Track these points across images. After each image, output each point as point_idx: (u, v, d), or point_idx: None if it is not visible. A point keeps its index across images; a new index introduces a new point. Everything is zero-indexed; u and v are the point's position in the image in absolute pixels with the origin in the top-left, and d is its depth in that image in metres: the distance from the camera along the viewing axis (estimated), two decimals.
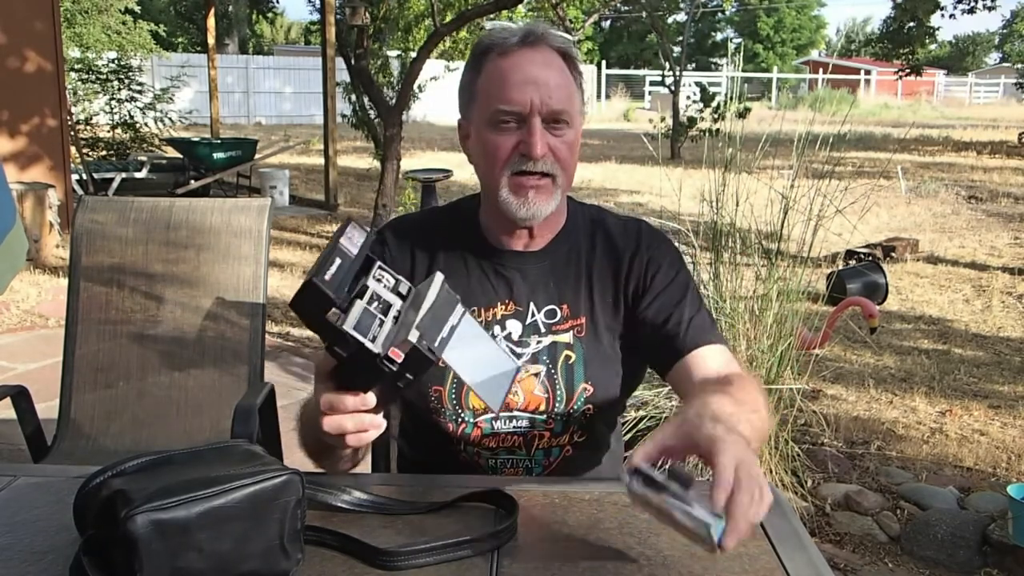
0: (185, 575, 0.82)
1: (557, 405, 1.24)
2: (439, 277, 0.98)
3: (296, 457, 1.20)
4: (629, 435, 2.67)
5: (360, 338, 0.91)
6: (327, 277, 0.92)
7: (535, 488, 1.11)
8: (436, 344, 0.93)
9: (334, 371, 0.97)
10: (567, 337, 1.26)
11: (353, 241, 0.97)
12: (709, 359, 1.20)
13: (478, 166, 1.25)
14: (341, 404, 0.95)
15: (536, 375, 1.24)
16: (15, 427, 1.92)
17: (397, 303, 0.95)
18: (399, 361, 0.91)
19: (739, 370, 1.20)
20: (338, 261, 0.94)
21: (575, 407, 1.25)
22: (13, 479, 1.13)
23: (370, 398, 0.95)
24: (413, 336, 0.91)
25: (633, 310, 1.27)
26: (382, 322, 0.93)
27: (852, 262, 5.91)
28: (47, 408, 2.06)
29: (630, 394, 1.39)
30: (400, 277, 0.98)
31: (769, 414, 1.11)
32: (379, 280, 0.96)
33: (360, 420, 0.96)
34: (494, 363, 1.00)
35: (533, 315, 1.26)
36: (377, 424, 0.98)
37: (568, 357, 1.25)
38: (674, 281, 1.27)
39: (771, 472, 2.74)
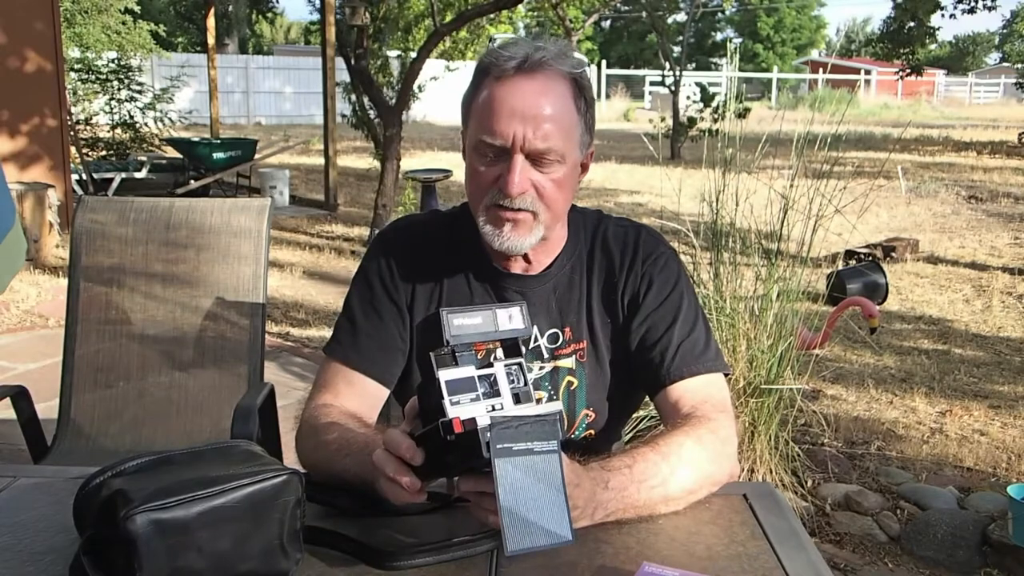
0: (185, 574, 0.82)
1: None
2: (557, 406, 0.91)
3: (296, 457, 1.20)
4: (629, 435, 2.67)
5: (444, 390, 0.87)
6: (456, 321, 0.90)
7: None
8: (500, 446, 0.84)
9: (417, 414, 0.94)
10: (569, 362, 1.24)
11: (510, 320, 0.93)
12: (689, 393, 1.18)
13: (466, 185, 1.21)
14: (396, 446, 0.92)
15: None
16: (15, 427, 1.92)
17: (506, 400, 0.90)
18: (455, 433, 0.86)
19: (714, 412, 1.16)
20: (478, 320, 0.91)
21: (576, 433, 1.24)
22: (13, 479, 1.13)
23: (419, 456, 0.90)
24: (482, 421, 0.85)
25: (627, 325, 1.24)
26: (477, 399, 0.88)
27: (852, 262, 5.91)
28: (47, 408, 2.06)
29: (633, 412, 1.37)
30: (530, 385, 0.92)
31: (710, 469, 1.08)
32: (508, 373, 0.92)
33: (402, 472, 0.91)
34: (545, 515, 0.86)
35: (536, 340, 1.23)
36: (411, 487, 0.92)
37: (570, 383, 1.23)
38: (667, 300, 1.23)
39: (771, 472, 2.74)
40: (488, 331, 0.91)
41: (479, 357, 0.92)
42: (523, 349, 0.94)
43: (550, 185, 1.14)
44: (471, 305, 0.91)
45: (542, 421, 0.87)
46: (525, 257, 1.23)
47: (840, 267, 5.64)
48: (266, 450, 0.97)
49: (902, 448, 3.24)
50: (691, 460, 1.07)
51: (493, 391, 0.90)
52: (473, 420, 0.85)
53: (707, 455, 1.09)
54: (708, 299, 2.88)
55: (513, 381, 0.91)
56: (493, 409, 0.89)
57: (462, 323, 0.90)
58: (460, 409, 0.87)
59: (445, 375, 0.88)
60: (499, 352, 0.96)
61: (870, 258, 5.95)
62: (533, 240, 1.17)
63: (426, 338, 1.23)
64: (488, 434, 0.84)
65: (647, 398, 1.39)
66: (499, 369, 0.91)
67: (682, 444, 1.08)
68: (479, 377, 0.90)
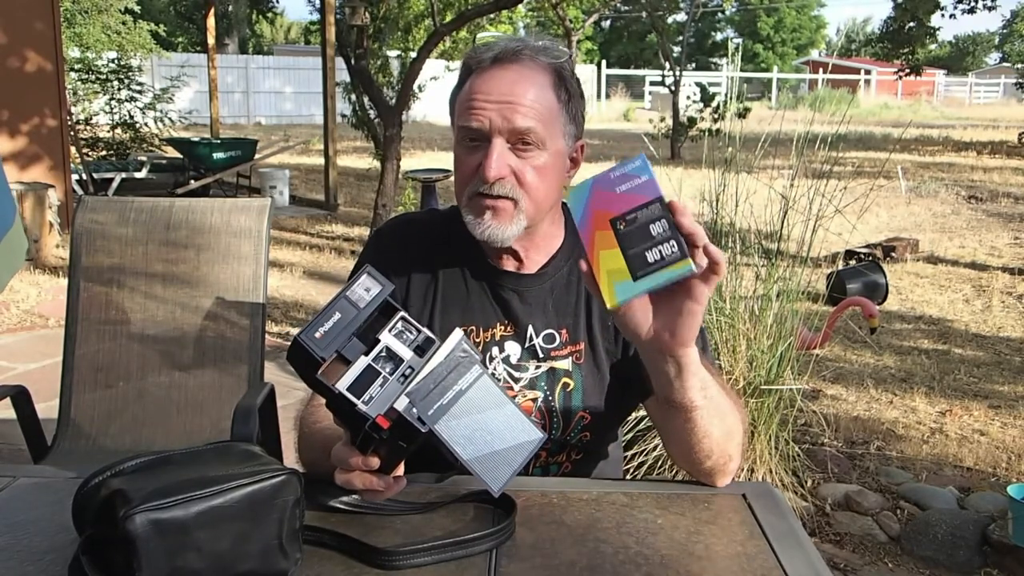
0: (184, 574, 0.82)
1: (553, 432, 1.23)
2: (456, 335, 0.89)
3: (295, 456, 1.21)
4: (629, 435, 2.67)
5: (352, 399, 0.86)
6: (317, 334, 0.87)
7: (533, 488, 1.11)
8: (430, 412, 0.85)
9: None
10: (566, 364, 1.23)
11: (367, 291, 0.90)
12: None
13: (454, 181, 1.23)
14: (345, 464, 0.92)
15: (534, 400, 1.22)
16: (15, 427, 1.92)
17: (411, 359, 0.88)
18: (386, 428, 0.85)
19: None
20: (336, 316, 0.88)
21: (571, 434, 1.24)
22: (13, 479, 1.13)
23: (372, 461, 0.90)
24: (400, 404, 0.85)
25: None
26: (385, 381, 0.87)
27: (852, 262, 5.91)
28: (47, 408, 2.06)
29: (629, 414, 1.37)
30: (424, 329, 0.90)
31: (743, 429, 1.11)
32: (399, 333, 0.89)
33: (368, 480, 0.93)
34: (507, 435, 0.87)
35: (531, 339, 1.23)
36: (386, 485, 0.93)
37: (567, 385, 1.23)
38: None
39: (771, 472, 2.74)
40: (353, 317, 0.88)
41: (360, 338, 0.89)
42: (394, 303, 0.91)
43: (530, 171, 1.15)
44: (325, 309, 0.88)
45: (452, 359, 0.87)
46: (516, 255, 1.23)
47: (840, 267, 5.64)
48: (266, 450, 0.97)
49: (902, 448, 3.24)
50: (732, 409, 1.09)
51: (396, 361, 0.88)
52: (392, 409, 0.85)
53: (740, 418, 1.11)
54: (708, 299, 2.88)
55: (407, 338, 0.90)
56: (405, 378, 0.87)
57: (325, 330, 0.87)
58: (376, 404, 0.86)
59: (344, 383, 0.86)
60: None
61: (870, 258, 5.95)
62: (516, 230, 1.16)
63: None
64: (413, 410, 0.84)
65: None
66: (387, 339, 0.89)
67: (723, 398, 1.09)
68: (375, 359, 0.88)
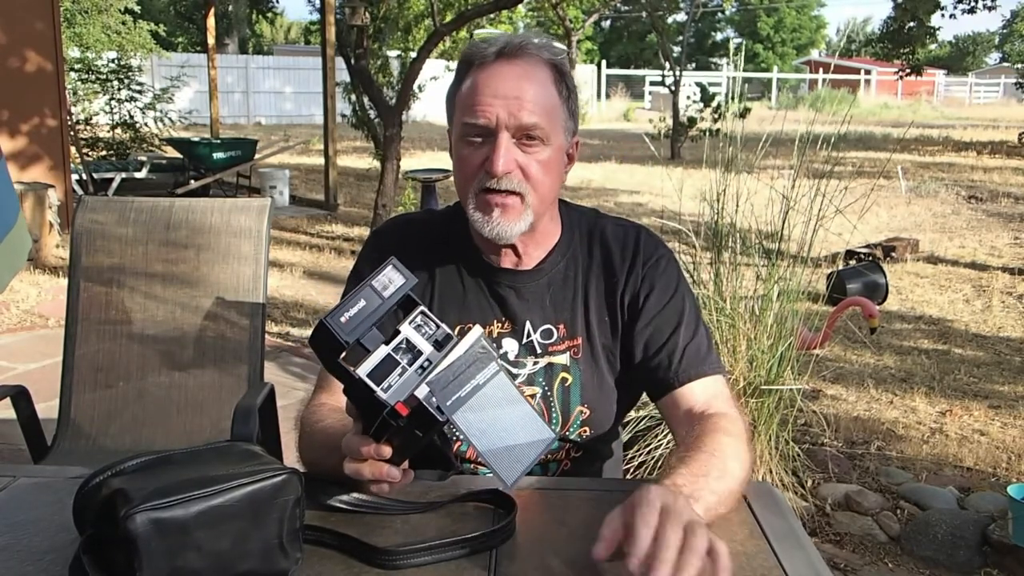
0: (184, 574, 0.82)
1: (553, 427, 1.23)
2: (476, 331, 0.91)
3: (295, 456, 1.21)
4: (629, 435, 2.67)
5: (372, 386, 0.87)
6: (343, 319, 0.88)
7: (533, 487, 1.11)
8: (449, 402, 0.87)
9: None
10: (563, 359, 1.23)
11: (391, 282, 0.91)
12: (698, 394, 1.18)
13: (455, 178, 1.22)
14: (356, 453, 0.93)
15: (532, 396, 1.22)
16: (15, 427, 1.92)
17: (427, 352, 0.90)
18: (404, 416, 0.87)
19: (726, 407, 1.17)
20: (362, 303, 0.90)
21: (571, 429, 1.24)
22: (13, 479, 1.13)
23: (385, 450, 0.91)
24: (421, 392, 0.86)
25: (629, 329, 1.24)
26: (404, 371, 0.88)
27: (852, 262, 5.91)
28: (47, 408, 2.06)
29: (628, 411, 1.37)
30: (443, 325, 0.92)
31: (747, 459, 1.06)
32: (418, 326, 0.91)
33: (378, 469, 0.93)
34: (520, 432, 0.90)
35: (529, 335, 1.24)
36: (394, 476, 0.94)
37: (564, 380, 1.23)
38: (669, 303, 1.23)
39: (771, 472, 2.74)
40: (377, 306, 0.90)
41: (381, 330, 0.91)
42: (415, 298, 0.93)
43: (535, 166, 1.15)
44: (350, 296, 0.90)
45: (471, 354, 0.89)
46: (515, 251, 1.23)
47: (840, 267, 5.64)
48: (266, 450, 0.97)
49: (902, 448, 3.24)
50: (734, 452, 1.06)
51: (415, 353, 0.90)
52: (413, 396, 0.86)
53: (741, 444, 1.08)
54: (708, 299, 2.88)
55: (425, 332, 0.91)
56: (424, 369, 0.89)
57: (350, 315, 0.89)
58: (395, 392, 0.87)
59: (364, 369, 0.88)
60: (401, 315, 0.94)
61: (870, 258, 5.95)
62: (523, 226, 1.17)
63: None
64: (433, 399, 0.86)
65: (642, 397, 1.39)
66: (407, 331, 0.90)
67: (719, 439, 1.06)
68: (395, 350, 0.89)
